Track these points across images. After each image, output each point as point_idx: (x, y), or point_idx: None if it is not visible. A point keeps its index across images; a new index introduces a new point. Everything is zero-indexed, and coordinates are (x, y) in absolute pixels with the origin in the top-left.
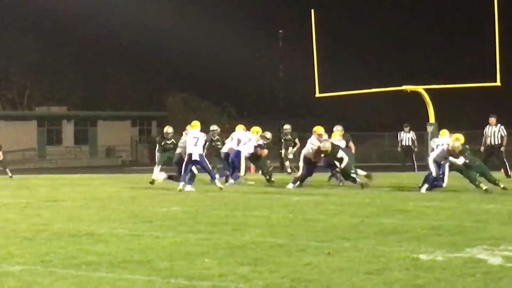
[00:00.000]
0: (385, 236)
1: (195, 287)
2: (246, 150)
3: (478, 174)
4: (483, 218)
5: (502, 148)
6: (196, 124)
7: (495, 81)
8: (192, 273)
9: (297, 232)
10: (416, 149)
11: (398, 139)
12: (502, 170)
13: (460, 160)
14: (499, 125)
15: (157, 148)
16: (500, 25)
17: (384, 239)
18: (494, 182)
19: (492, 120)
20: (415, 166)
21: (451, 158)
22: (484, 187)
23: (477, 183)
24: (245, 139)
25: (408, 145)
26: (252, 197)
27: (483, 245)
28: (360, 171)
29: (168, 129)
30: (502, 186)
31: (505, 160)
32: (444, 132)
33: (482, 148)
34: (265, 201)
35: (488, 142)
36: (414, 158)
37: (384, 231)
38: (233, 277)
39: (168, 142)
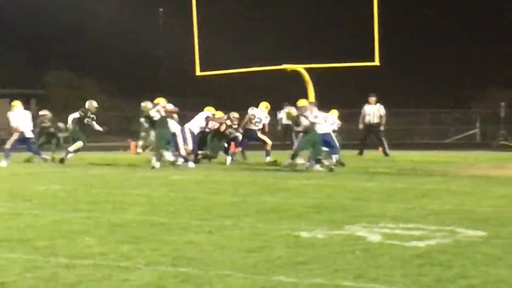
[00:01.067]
0: (266, 214)
1: (76, 266)
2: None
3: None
4: (362, 195)
5: (382, 127)
6: (16, 104)
7: (374, 61)
8: (72, 252)
9: (178, 210)
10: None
11: (278, 118)
12: (380, 148)
13: (304, 123)
14: (378, 104)
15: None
16: (378, 5)
17: (265, 217)
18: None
19: (372, 99)
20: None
21: (295, 128)
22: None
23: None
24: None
25: (288, 124)
26: (133, 176)
27: (362, 222)
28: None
29: (44, 111)
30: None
31: (383, 138)
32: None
33: (360, 126)
34: (146, 180)
35: (367, 120)
36: (293, 137)
37: (265, 209)
38: (114, 256)
39: (46, 124)
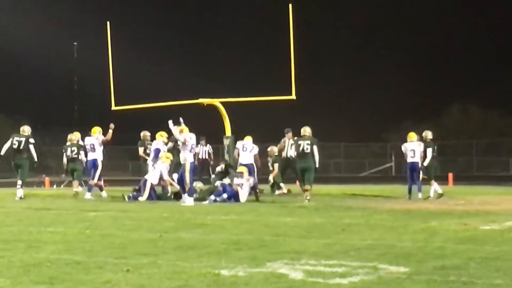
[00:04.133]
0: (185, 251)
1: None
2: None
3: None
4: (282, 231)
5: None
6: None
7: (291, 95)
8: None
9: (95, 248)
10: (212, 162)
11: (195, 152)
12: (298, 182)
13: None
14: (296, 138)
15: None
16: (295, 41)
17: (184, 255)
18: None
19: (289, 134)
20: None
21: None
22: None
23: None
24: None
25: (205, 158)
26: (47, 212)
27: (283, 259)
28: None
29: None
30: None
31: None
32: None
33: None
34: (60, 217)
35: (284, 154)
36: (210, 171)
37: (183, 246)
38: None
39: None
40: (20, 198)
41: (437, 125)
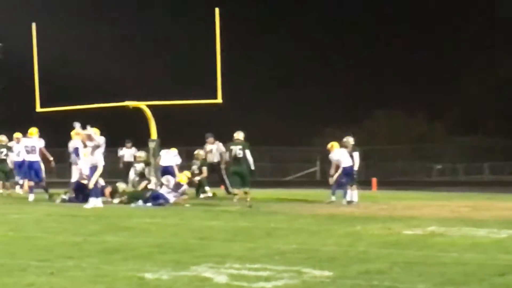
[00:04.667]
0: (110, 254)
1: None
2: None
3: None
4: (207, 235)
5: (222, 166)
6: None
7: (217, 98)
8: None
9: (18, 250)
10: None
11: (119, 155)
12: (222, 186)
13: None
14: (217, 142)
15: None
16: (222, 44)
17: (109, 258)
18: None
19: (210, 139)
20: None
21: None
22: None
23: None
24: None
25: (130, 161)
26: None
27: (208, 262)
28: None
29: None
30: None
31: (224, 177)
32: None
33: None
34: None
35: (208, 159)
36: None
37: (108, 249)
38: None
39: None
40: None
41: (361, 130)
